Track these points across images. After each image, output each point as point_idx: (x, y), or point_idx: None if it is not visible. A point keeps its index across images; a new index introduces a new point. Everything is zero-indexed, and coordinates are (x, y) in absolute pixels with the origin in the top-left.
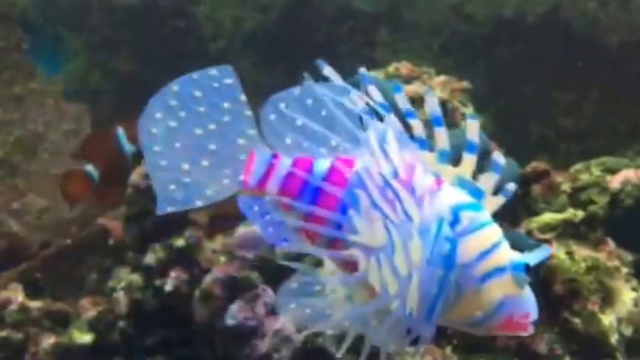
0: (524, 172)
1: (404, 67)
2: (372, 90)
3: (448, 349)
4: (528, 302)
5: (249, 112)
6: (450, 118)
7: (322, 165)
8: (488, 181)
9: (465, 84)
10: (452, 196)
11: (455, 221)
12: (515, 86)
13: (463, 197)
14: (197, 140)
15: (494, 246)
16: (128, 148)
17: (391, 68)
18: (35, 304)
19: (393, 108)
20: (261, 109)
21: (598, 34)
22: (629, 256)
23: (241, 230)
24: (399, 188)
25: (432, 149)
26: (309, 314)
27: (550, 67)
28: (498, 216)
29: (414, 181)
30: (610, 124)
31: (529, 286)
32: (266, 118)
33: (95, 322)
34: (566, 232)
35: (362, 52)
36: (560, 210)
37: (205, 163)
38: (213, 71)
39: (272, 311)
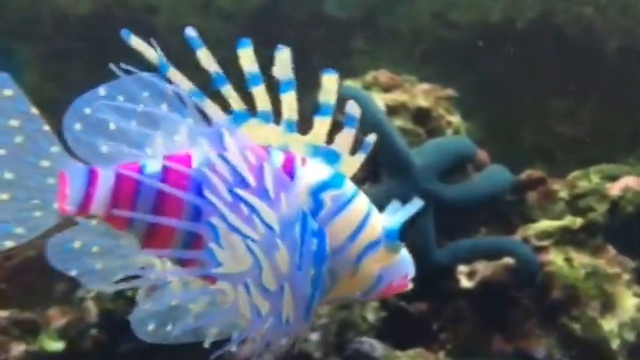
0: (519, 180)
1: (383, 75)
2: (204, 55)
3: (441, 354)
4: (405, 263)
5: (46, 127)
6: (434, 126)
7: (153, 167)
8: (344, 140)
9: (450, 91)
10: (308, 176)
11: (318, 207)
12: (506, 93)
13: (320, 173)
14: None
15: (364, 220)
16: None
17: (369, 77)
18: (3, 314)
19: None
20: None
21: (595, 39)
22: (630, 263)
23: None
24: (252, 200)
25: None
26: (174, 331)
27: (544, 74)
28: (491, 224)
29: (265, 182)
30: (609, 131)
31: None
32: (71, 129)
33: (66, 330)
34: (565, 238)
35: (337, 61)
36: (557, 217)
37: (4, 196)
38: None
39: None
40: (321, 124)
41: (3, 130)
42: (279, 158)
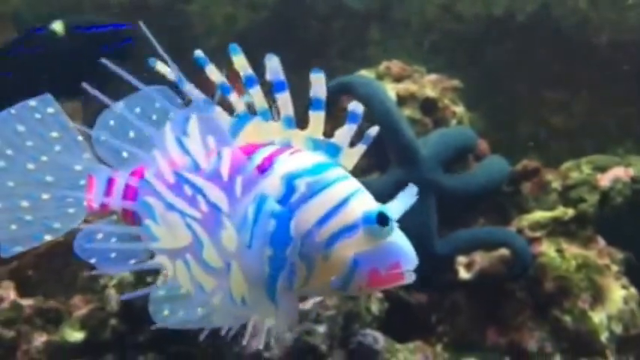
0: (515, 170)
1: (395, 65)
2: (210, 70)
3: (439, 347)
4: (394, 251)
5: (79, 138)
6: (440, 116)
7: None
8: (344, 134)
9: (456, 82)
10: (286, 164)
11: (289, 192)
12: (505, 85)
13: (302, 161)
14: (31, 175)
15: (339, 205)
16: None
17: (382, 67)
18: (27, 302)
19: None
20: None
21: (588, 33)
22: (619, 254)
23: None
24: (197, 180)
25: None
26: (184, 316)
27: (540, 66)
28: (488, 214)
29: (221, 166)
30: (600, 123)
31: (401, 233)
32: (98, 139)
33: (87, 320)
34: (557, 230)
35: (353, 51)
36: (550, 208)
37: (45, 196)
38: (32, 103)
39: None
40: (317, 118)
41: (46, 140)
42: (269, 149)
